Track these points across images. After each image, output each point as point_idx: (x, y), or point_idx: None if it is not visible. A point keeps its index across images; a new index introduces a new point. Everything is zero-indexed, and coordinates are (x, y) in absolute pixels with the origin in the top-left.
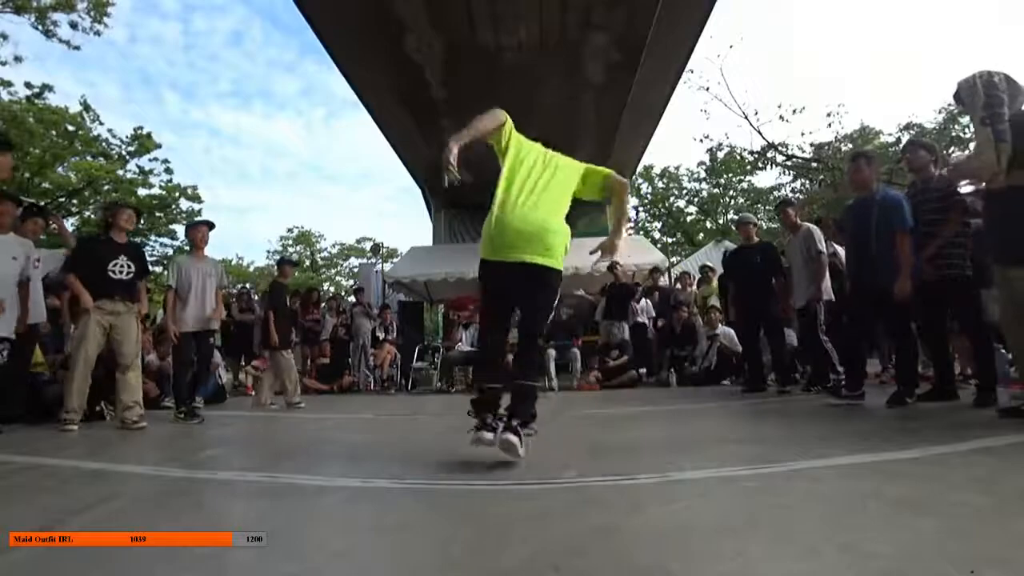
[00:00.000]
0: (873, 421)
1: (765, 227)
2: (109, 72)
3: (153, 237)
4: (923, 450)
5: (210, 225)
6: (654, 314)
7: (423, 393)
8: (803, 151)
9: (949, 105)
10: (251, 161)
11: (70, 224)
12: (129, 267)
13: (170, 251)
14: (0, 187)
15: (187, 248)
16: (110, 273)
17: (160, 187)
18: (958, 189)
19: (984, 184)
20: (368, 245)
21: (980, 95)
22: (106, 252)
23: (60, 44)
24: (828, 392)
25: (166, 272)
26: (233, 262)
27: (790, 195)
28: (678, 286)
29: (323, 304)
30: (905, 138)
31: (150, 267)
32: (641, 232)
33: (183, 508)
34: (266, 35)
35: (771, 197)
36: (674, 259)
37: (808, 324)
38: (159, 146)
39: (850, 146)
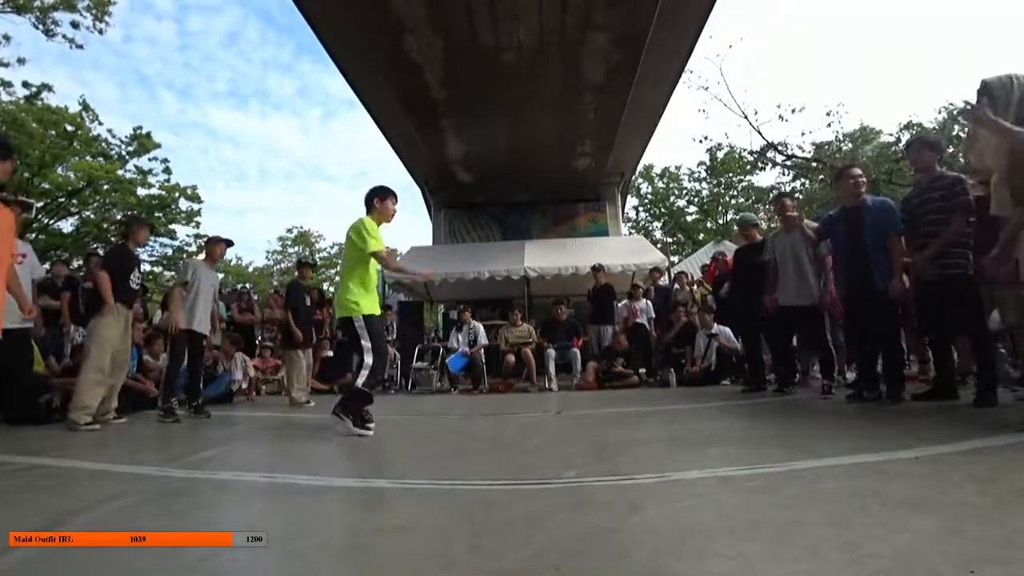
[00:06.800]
0: (873, 421)
1: (765, 226)
2: (105, 72)
3: (152, 238)
4: (923, 450)
5: (229, 243)
6: (653, 315)
7: (423, 393)
8: (803, 150)
9: (949, 105)
10: (249, 161)
11: (69, 224)
12: (139, 279)
13: (169, 251)
14: None
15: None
16: (131, 283)
17: (159, 187)
18: (963, 188)
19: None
20: None
21: (1015, 95)
22: (132, 262)
23: (58, 44)
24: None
25: (177, 269)
26: (232, 263)
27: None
28: (676, 286)
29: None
30: (905, 138)
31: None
32: (641, 232)
33: (183, 508)
34: (261, 35)
35: (771, 196)
36: (674, 259)
37: (814, 322)
38: (159, 146)
39: (850, 145)
